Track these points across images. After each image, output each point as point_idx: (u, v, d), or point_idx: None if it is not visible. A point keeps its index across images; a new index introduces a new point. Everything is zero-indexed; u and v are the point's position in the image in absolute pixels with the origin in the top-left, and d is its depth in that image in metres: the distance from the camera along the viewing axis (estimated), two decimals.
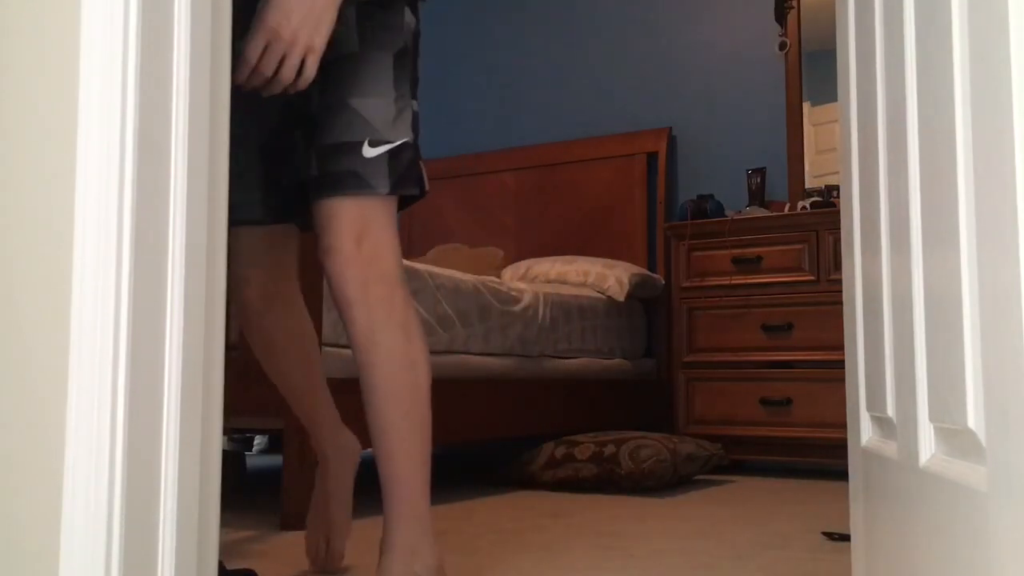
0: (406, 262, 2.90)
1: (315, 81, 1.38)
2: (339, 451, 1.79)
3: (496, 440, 3.86)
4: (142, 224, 0.90)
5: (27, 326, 0.91)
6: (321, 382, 1.77)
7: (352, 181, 1.38)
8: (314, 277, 2.39)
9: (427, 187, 1.49)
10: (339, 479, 1.78)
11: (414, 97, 1.47)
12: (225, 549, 1.98)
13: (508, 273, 4.16)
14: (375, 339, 1.39)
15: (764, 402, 3.55)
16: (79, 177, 0.89)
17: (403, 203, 1.48)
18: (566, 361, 3.62)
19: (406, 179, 1.42)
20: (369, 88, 1.40)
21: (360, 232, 1.38)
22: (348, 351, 2.50)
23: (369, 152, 1.38)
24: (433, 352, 2.94)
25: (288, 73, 1.32)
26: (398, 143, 1.41)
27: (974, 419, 0.72)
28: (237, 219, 1.50)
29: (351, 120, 1.39)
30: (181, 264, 0.94)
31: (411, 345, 1.42)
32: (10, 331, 0.92)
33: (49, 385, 0.89)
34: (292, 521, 2.32)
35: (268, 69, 1.31)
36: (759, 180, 3.95)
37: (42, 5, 0.94)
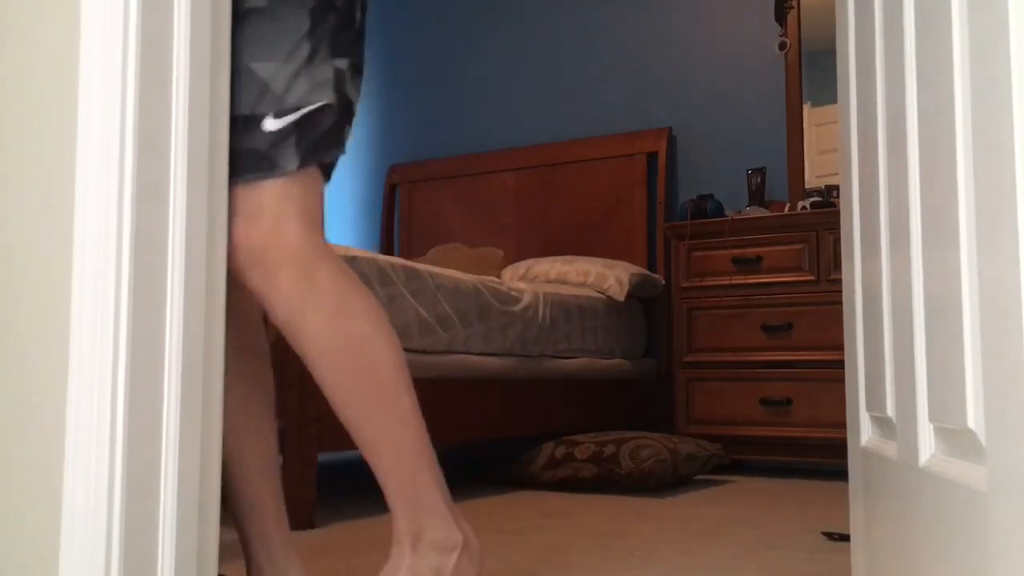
0: (407, 262, 2.90)
1: None
2: None
3: (496, 440, 3.86)
4: (142, 224, 0.90)
5: (27, 326, 0.91)
6: (273, 461, 1.36)
7: (252, 162, 1.17)
8: None
9: (343, 148, 1.28)
10: None
11: (342, 56, 1.25)
12: (225, 549, 1.98)
13: (508, 273, 4.16)
14: (301, 327, 1.20)
15: (764, 402, 3.55)
16: (79, 177, 0.89)
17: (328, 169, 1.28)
18: (566, 361, 3.62)
19: (322, 145, 1.21)
20: (274, 49, 1.18)
21: (255, 213, 1.18)
22: None
23: (271, 125, 1.18)
24: (433, 352, 2.95)
25: None
26: (312, 107, 1.20)
27: (974, 419, 0.72)
28: None
29: (251, 88, 1.17)
30: (181, 264, 0.94)
31: (352, 323, 1.23)
32: (10, 331, 0.92)
33: (49, 385, 0.89)
34: (292, 521, 2.32)
35: None
36: (759, 180, 3.95)
37: (42, 5, 0.94)
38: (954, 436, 0.80)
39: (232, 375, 1.27)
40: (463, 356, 3.06)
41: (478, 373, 3.11)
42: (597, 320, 3.82)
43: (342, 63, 1.25)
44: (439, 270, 3.06)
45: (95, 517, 0.85)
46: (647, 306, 4.22)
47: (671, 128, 4.37)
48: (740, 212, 3.81)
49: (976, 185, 0.70)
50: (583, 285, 3.94)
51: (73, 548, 0.85)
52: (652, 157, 4.37)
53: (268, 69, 1.18)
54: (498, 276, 4.02)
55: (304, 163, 1.20)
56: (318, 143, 1.21)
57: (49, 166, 0.92)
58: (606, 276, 3.94)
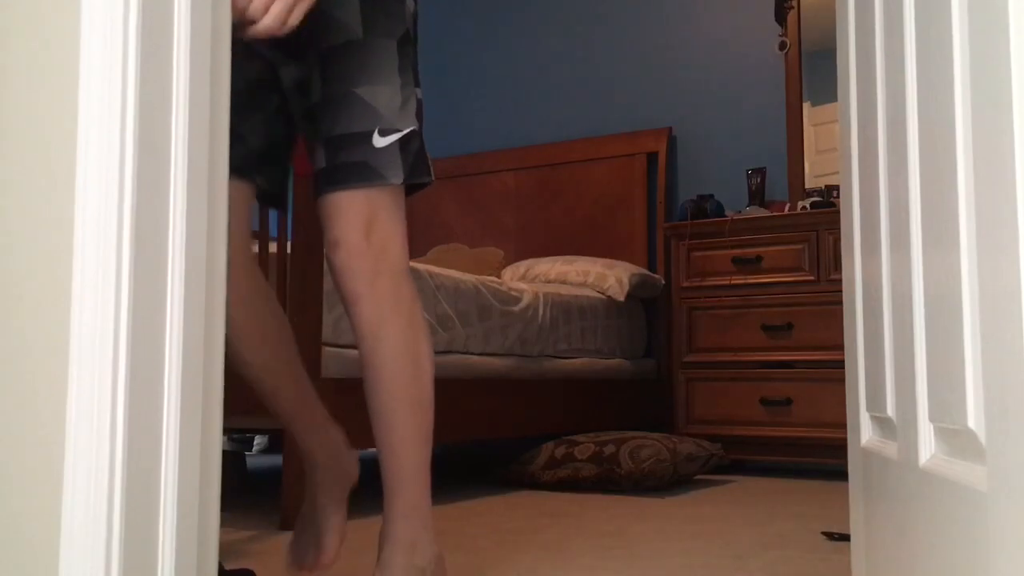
0: None
1: (317, 70, 1.38)
2: (331, 459, 1.57)
3: (496, 440, 3.86)
4: (142, 225, 0.90)
5: (27, 326, 0.91)
6: (297, 363, 1.55)
7: (363, 172, 1.35)
8: (313, 274, 2.39)
9: (432, 175, 1.47)
10: (331, 494, 1.57)
11: (417, 84, 1.44)
12: (225, 549, 1.98)
13: (508, 273, 4.15)
14: (381, 334, 1.38)
15: (764, 402, 3.55)
16: (79, 178, 0.89)
17: (408, 192, 1.46)
18: (566, 361, 3.62)
19: (417, 167, 1.41)
20: (375, 76, 1.37)
21: (368, 224, 1.36)
22: (349, 351, 2.50)
23: (379, 142, 1.36)
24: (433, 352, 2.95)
25: (277, 11, 1.23)
26: (407, 131, 1.39)
27: (974, 419, 0.72)
28: None
29: (359, 109, 1.36)
30: (181, 264, 0.94)
31: (417, 339, 1.41)
32: (10, 331, 0.92)
33: (49, 385, 0.89)
34: (292, 521, 2.32)
35: (257, 9, 1.23)
36: (759, 180, 3.95)
37: (42, 6, 0.94)
38: (954, 436, 0.80)
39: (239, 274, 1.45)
40: (463, 356, 3.06)
41: (478, 373, 3.11)
42: (597, 320, 3.82)
43: (419, 92, 1.44)
44: (439, 270, 3.06)
45: (95, 517, 0.85)
46: (647, 306, 4.22)
47: (671, 128, 4.37)
48: (740, 212, 3.81)
49: (976, 185, 0.70)
50: (583, 285, 3.94)
51: (73, 548, 0.85)
52: (652, 157, 4.37)
53: (370, 92, 1.36)
54: (498, 276, 4.02)
55: (408, 179, 1.38)
56: (414, 164, 1.40)
57: (49, 166, 0.92)
58: (606, 276, 3.94)
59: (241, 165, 1.44)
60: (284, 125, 1.51)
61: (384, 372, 1.39)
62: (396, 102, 1.38)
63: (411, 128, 1.39)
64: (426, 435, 1.43)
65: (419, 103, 1.43)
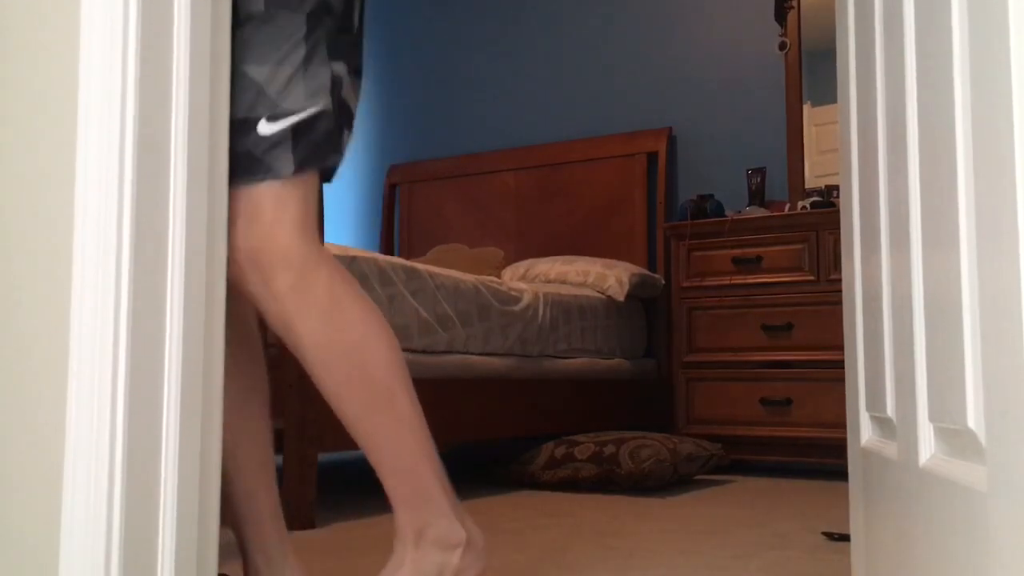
0: (406, 262, 2.90)
1: None
2: None
3: (496, 440, 3.86)
4: (142, 224, 0.90)
5: (27, 326, 0.91)
6: (270, 462, 1.39)
7: (247, 165, 1.17)
8: None
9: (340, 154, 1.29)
10: None
11: (337, 58, 1.25)
12: (225, 549, 1.98)
13: (508, 273, 4.16)
14: (295, 331, 1.22)
15: (764, 402, 3.55)
16: (79, 177, 0.89)
17: (326, 177, 1.30)
18: (566, 361, 3.62)
19: (319, 152, 1.22)
20: (269, 53, 1.18)
21: (252, 216, 1.19)
22: None
23: (266, 128, 1.18)
24: (433, 352, 2.95)
25: None
26: (307, 114, 1.20)
27: (974, 419, 0.72)
28: None
29: (247, 91, 1.17)
30: (181, 264, 0.94)
31: (343, 325, 1.24)
32: (10, 331, 0.92)
33: (49, 385, 0.89)
34: (292, 521, 2.32)
35: None
36: (759, 180, 3.95)
37: (42, 6, 0.94)
38: (954, 436, 0.80)
39: (228, 375, 1.28)
40: (463, 356, 3.06)
41: (478, 373, 3.11)
42: (597, 320, 3.82)
43: (339, 67, 1.26)
44: (439, 270, 3.06)
45: (95, 517, 0.85)
46: (647, 306, 4.22)
47: (671, 128, 4.37)
48: (740, 212, 3.81)
49: (976, 185, 0.70)
50: (583, 285, 3.94)
51: (73, 548, 0.85)
52: (652, 157, 4.37)
53: (262, 72, 1.18)
54: (498, 276, 4.02)
55: (300, 169, 1.20)
56: (316, 149, 1.22)
57: (49, 166, 0.92)
58: (606, 276, 3.94)
59: None
60: None
61: (317, 373, 1.25)
62: (296, 83, 1.19)
63: (313, 109, 1.20)
64: (399, 422, 1.29)
65: (335, 79, 1.24)
